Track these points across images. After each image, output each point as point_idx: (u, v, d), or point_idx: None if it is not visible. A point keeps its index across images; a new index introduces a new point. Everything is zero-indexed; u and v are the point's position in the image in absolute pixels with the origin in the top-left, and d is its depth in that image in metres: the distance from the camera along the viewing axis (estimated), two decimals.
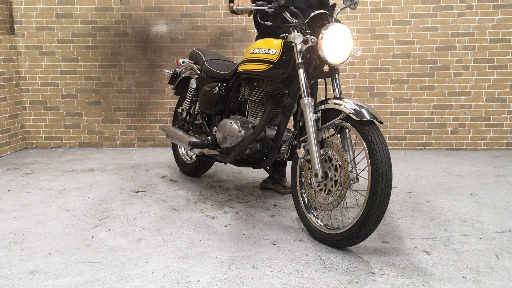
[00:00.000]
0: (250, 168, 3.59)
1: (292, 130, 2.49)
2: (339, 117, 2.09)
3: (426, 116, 4.29)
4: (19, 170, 3.68)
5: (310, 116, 2.15)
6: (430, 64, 4.21)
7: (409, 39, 4.18)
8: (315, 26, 2.25)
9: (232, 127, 2.61)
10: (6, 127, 4.26)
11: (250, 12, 2.44)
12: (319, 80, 2.98)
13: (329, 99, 2.15)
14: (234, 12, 2.60)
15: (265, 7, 2.30)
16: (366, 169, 2.02)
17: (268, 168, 2.93)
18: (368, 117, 1.97)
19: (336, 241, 2.09)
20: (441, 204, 2.76)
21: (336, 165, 2.09)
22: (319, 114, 2.17)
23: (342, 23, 2.20)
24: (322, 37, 2.13)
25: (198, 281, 1.83)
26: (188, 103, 3.29)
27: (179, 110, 3.41)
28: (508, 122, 4.25)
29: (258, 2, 2.32)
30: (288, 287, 1.78)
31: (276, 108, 2.60)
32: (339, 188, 2.07)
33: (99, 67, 4.44)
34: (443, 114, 4.28)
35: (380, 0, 4.14)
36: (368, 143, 1.96)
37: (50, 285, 1.81)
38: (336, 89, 2.27)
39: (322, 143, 2.18)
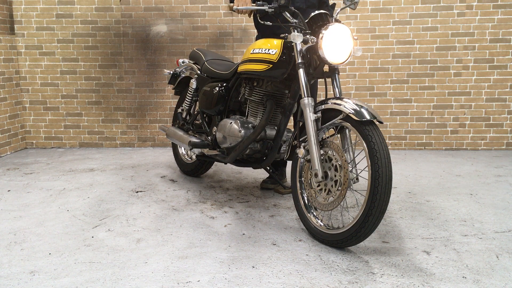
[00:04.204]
0: (250, 168, 3.59)
1: (292, 130, 2.49)
2: (339, 117, 2.09)
3: (426, 116, 4.29)
4: (19, 170, 3.68)
5: (310, 116, 2.15)
6: (430, 64, 4.21)
7: (409, 39, 4.18)
8: (315, 26, 2.25)
9: (232, 127, 2.60)
10: (6, 127, 4.26)
11: (250, 12, 2.44)
12: (319, 80, 2.98)
13: (329, 99, 2.15)
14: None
15: (265, 7, 2.30)
16: (366, 169, 2.02)
17: (268, 168, 2.93)
18: (368, 117, 1.97)
19: (336, 241, 2.09)
20: (441, 204, 2.76)
21: (336, 165, 2.09)
22: (319, 114, 2.17)
23: (342, 23, 2.20)
24: (322, 37, 2.14)
25: (198, 281, 1.83)
26: (188, 103, 3.29)
27: (179, 110, 3.41)
28: (508, 122, 4.25)
29: (258, 2, 2.32)
30: (288, 287, 1.78)
31: (276, 108, 2.60)
32: (339, 188, 2.07)
33: (99, 67, 4.44)
34: (443, 114, 4.28)
35: (380, 0, 4.14)
36: (368, 143, 1.96)
37: (50, 285, 1.81)
38: (336, 89, 2.27)
39: (322, 143, 2.18)
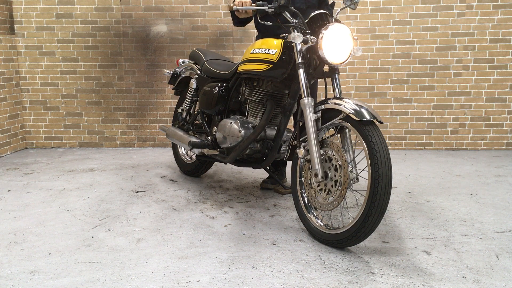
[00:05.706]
0: (250, 168, 3.59)
1: (292, 130, 2.49)
2: (339, 117, 2.09)
3: (426, 116, 4.29)
4: (19, 170, 3.68)
5: (310, 116, 2.15)
6: (430, 64, 4.21)
7: (409, 39, 4.18)
8: (315, 26, 2.25)
9: (232, 127, 2.61)
10: (6, 127, 4.26)
11: (250, 12, 2.44)
12: (319, 80, 2.98)
13: (329, 99, 2.15)
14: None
15: (265, 7, 2.30)
16: (366, 169, 2.02)
17: (268, 168, 2.93)
18: (368, 117, 1.97)
19: (336, 241, 2.09)
20: (441, 204, 2.76)
21: (336, 165, 2.09)
22: (319, 114, 2.17)
23: (342, 23, 2.20)
24: (322, 37, 2.14)
25: (198, 281, 1.83)
26: (188, 103, 3.29)
27: (179, 110, 3.41)
28: (508, 122, 4.25)
29: (258, 2, 2.32)
30: (288, 287, 1.78)
31: (276, 108, 2.60)
32: (339, 188, 2.07)
33: (99, 67, 4.44)
34: (443, 114, 4.28)
35: (380, 0, 4.14)
36: (368, 143, 1.96)
37: (50, 285, 1.81)
38: (336, 89, 2.27)
39: (322, 143, 2.18)
